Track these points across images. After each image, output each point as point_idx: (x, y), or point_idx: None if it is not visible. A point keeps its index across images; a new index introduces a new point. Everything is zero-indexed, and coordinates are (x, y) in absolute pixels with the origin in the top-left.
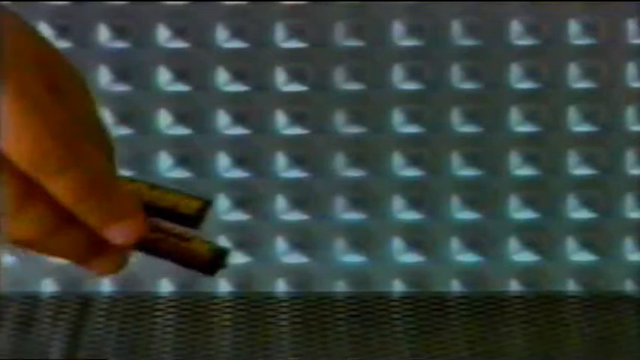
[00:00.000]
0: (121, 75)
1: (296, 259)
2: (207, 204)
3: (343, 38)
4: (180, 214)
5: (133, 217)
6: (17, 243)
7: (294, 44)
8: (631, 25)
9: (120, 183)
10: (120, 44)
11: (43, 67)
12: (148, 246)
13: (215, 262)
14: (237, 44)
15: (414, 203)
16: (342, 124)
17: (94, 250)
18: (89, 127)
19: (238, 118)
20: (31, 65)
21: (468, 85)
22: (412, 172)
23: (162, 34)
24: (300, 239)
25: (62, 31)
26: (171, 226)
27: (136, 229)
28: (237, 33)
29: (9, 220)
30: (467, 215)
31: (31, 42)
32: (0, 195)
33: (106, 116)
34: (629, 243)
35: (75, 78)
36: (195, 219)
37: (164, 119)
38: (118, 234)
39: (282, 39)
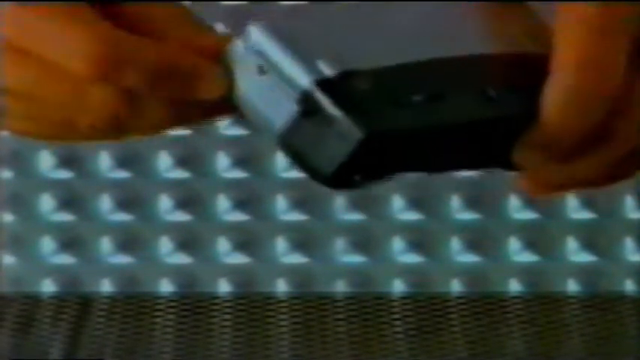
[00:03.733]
0: None
1: (296, 259)
2: None
3: None
4: None
5: None
6: None
7: None
8: None
9: None
10: None
11: None
12: None
13: None
14: None
15: (414, 203)
16: None
17: None
18: None
19: (238, 119)
20: None
21: None
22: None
23: None
24: (300, 239)
25: None
26: None
27: None
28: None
29: None
30: (467, 215)
31: None
32: None
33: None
34: (629, 243)
35: None
36: None
37: None
38: None
39: None
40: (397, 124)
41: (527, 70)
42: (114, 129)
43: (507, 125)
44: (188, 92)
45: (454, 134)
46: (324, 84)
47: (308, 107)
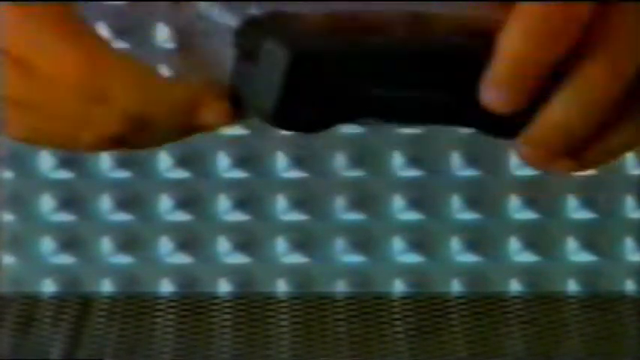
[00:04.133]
0: None
1: (296, 259)
2: None
3: None
4: None
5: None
6: None
7: None
8: None
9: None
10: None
11: None
12: None
13: None
14: None
15: (414, 203)
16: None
17: None
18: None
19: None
20: None
21: None
22: (412, 172)
23: (161, 34)
24: (300, 239)
25: None
26: None
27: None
28: None
29: None
30: (467, 215)
31: None
32: None
33: None
34: (629, 243)
35: None
36: None
37: None
38: None
39: None
40: (327, 46)
41: (468, 30)
42: (116, 146)
43: (447, 64)
44: (189, 121)
45: (389, 63)
46: (252, 21)
47: (242, 48)
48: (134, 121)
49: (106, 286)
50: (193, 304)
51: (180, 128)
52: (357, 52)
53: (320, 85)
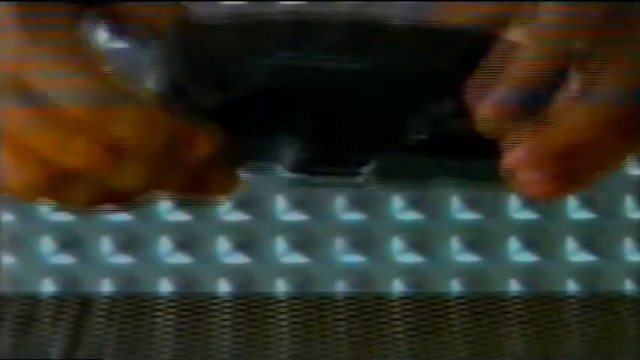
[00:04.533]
0: None
1: (296, 259)
2: None
3: None
4: None
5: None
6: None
7: None
8: None
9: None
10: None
11: None
12: None
13: None
14: None
15: (414, 203)
16: None
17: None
18: None
19: None
20: None
21: None
22: None
23: None
24: (300, 239)
25: None
26: None
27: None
28: None
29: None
30: (467, 215)
31: None
32: None
33: None
34: (629, 243)
35: None
36: None
37: None
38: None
39: None
40: (204, 24)
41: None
42: (91, 182)
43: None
44: (183, 152)
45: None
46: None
47: (151, 55)
48: (114, 151)
49: (106, 286)
50: (193, 304)
51: (159, 172)
52: (243, 18)
53: (217, 56)
